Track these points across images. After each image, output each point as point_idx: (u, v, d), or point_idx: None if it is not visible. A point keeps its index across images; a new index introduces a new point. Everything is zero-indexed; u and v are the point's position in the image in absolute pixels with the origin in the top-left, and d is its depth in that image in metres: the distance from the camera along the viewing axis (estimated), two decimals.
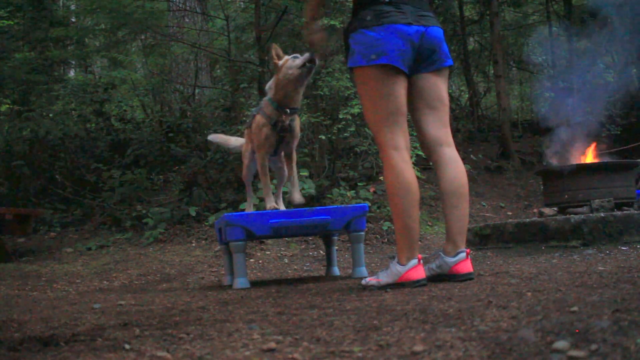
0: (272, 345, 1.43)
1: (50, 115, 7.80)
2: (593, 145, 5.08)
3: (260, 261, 4.82)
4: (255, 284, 3.38)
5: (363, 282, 2.59)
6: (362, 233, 3.34)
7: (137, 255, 5.13)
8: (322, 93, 6.14)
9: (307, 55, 3.09)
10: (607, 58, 8.67)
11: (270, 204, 3.30)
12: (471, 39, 11.47)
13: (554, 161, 5.02)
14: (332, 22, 5.91)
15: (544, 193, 4.99)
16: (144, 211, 6.06)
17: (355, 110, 5.79)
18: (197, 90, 8.73)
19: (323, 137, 6.10)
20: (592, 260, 3.03)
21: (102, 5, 6.92)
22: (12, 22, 7.34)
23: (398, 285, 2.46)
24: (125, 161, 6.94)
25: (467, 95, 10.74)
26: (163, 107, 8.81)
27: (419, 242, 3.73)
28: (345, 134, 6.07)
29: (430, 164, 2.94)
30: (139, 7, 7.26)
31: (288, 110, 3.19)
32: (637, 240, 3.70)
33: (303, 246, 5.27)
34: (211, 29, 9.01)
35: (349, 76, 5.83)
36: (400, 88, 2.52)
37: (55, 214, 6.46)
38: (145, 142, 7.20)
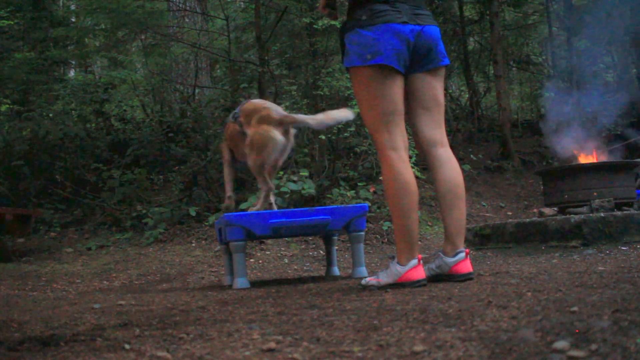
0: (272, 345, 1.43)
1: (50, 115, 7.79)
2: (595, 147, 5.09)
3: (260, 261, 4.82)
4: (255, 284, 3.38)
5: (363, 282, 2.59)
6: (362, 233, 3.34)
7: (137, 256, 5.13)
8: (322, 93, 6.15)
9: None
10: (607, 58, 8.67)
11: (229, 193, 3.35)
12: (471, 39, 11.46)
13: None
14: (331, 22, 5.90)
15: (544, 193, 4.99)
16: (144, 211, 6.06)
17: (355, 110, 5.78)
18: (197, 90, 8.72)
19: (323, 137, 6.10)
20: (592, 260, 3.02)
21: (102, 5, 6.92)
22: (12, 22, 7.33)
23: (398, 285, 2.46)
24: (125, 161, 6.94)
25: (467, 95, 10.73)
26: (163, 107, 8.81)
27: (419, 242, 3.73)
28: (345, 134, 6.07)
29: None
30: (139, 7, 7.25)
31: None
32: (637, 240, 3.70)
33: (303, 246, 5.27)
34: (211, 29, 9.02)
35: (347, 76, 5.84)
36: (397, 88, 2.51)
37: (55, 214, 6.46)
38: (145, 142, 7.20)
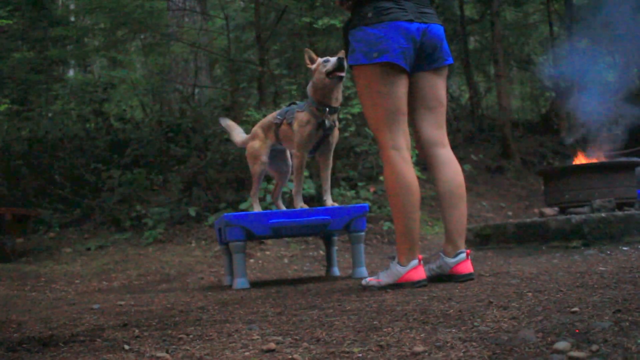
0: (272, 345, 1.42)
1: (50, 115, 7.80)
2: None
3: (260, 261, 4.82)
4: (255, 284, 3.38)
5: (363, 282, 2.58)
6: (362, 233, 3.33)
7: (137, 256, 5.12)
8: None
9: (334, 61, 3.06)
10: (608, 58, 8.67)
11: (300, 203, 3.30)
12: (472, 38, 11.47)
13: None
14: (332, 22, 5.90)
15: (544, 193, 4.98)
16: (143, 211, 6.06)
17: (356, 109, 5.79)
18: (196, 90, 8.72)
19: None
20: (593, 261, 3.02)
21: (102, 5, 6.91)
22: (11, 22, 7.32)
23: (398, 285, 2.45)
24: (125, 161, 6.93)
25: (467, 95, 10.73)
26: (162, 107, 8.80)
27: (420, 243, 3.73)
28: (346, 134, 6.07)
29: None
30: (138, 6, 7.25)
31: (327, 109, 3.19)
32: (638, 241, 3.70)
33: (303, 246, 5.27)
34: (211, 29, 9.01)
35: (349, 75, 5.83)
36: (402, 87, 2.50)
37: (54, 214, 6.45)
38: (144, 142, 7.20)
